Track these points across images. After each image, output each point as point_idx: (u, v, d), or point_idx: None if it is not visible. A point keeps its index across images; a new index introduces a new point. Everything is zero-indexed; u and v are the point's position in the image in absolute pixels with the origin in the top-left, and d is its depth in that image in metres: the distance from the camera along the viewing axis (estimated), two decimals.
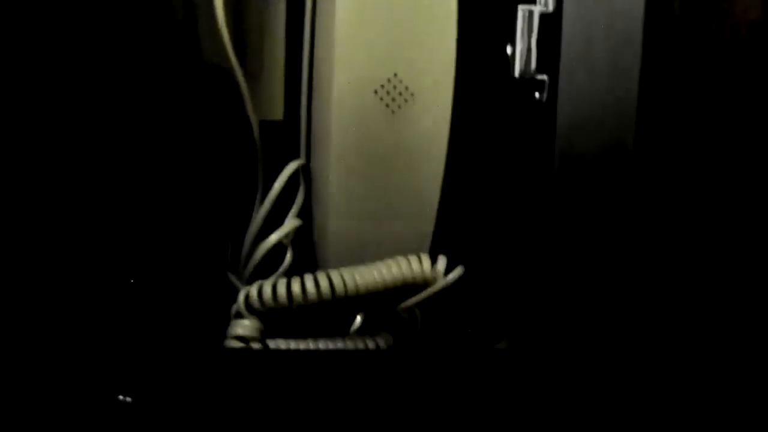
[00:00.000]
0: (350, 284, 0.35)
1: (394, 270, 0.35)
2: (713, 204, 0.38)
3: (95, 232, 0.36)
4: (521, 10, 0.36)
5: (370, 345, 0.37)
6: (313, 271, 0.37)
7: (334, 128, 0.36)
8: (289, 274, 0.37)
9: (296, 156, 0.39)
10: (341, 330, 0.38)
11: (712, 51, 0.36)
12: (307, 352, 0.36)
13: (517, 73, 0.36)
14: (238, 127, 0.38)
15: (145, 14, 0.36)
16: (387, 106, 0.36)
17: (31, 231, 0.35)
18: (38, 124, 0.35)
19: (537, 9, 0.36)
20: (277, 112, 0.40)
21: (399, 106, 0.36)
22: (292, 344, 0.36)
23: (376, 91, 0.35)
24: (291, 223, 0.37)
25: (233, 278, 0.37)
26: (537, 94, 0.36)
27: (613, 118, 0.35)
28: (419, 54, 0.36)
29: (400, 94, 0.36)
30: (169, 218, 0.37)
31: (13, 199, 0.35)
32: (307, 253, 0.39)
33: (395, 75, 0.36)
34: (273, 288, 0.35)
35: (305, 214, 0.39)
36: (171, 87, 0.37)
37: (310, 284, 0.34)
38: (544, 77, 0.36)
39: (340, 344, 0.36)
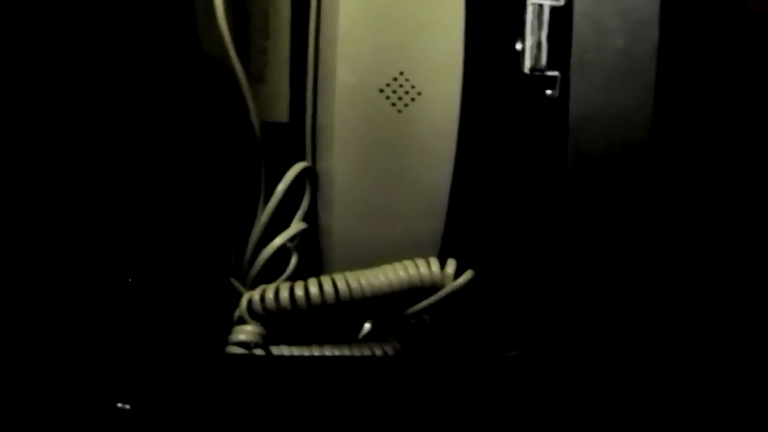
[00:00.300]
0: (355, 288, 0.33)
1: (401, 273, 0.34)
2: (735, 205, 0.36)
3: (95, 235, 0.35)
4: (531, 4, 0.35)
5: (377, 351, 0.36)
6: (318, 276, 0.36)
7: (338, 128, 0.35)
8: (293, 279, 0.36)
9: (303, 158, 0.38)
10: (347, 336, 0.37)
11: (732, 42, 0.35)
12: (312, 358, 0.35)
13: (527, 70, 0.35)
14: (242, 130, 0.37)
15: (145, 14, 0.36)
16: (393, 105, 0.35)
17: (31, 233, 0.34)
18: (39, 127, 0.35)
19: (547, 3, 0.35)
20: (283, 113, 0.39)
21: (406, 105, 0.35)
22: (296, 351, 0.35)
23: (381, 90, 0.35)
24: (296, 226, 0.36)
25: (236, 283, 0.36)
26: (548, 91, 0.35)
27: (627, 115, 0.34)
28: (426, 52, 0.35)
29: (407, 92, 0.35)
30: (171, 221, 0.37)
31: (13, 199, 0.34)
32: (313, 257, 0.38)
33: (401, 74, 0.35)
34: (276, 292, 0.34)
35: (311, 217, 0.38)
36: (173, 89, 0.37)
37: (313, 288, 0.33)
38: (556, 73, 0.34)
39: (345, 351, 0.35)
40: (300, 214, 0.37)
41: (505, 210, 0.38)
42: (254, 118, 0.36)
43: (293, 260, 0.36)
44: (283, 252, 0.37)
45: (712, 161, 0.35)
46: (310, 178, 0.37)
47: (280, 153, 0.38)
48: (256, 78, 0.39)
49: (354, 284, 0.33)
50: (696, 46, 0.35)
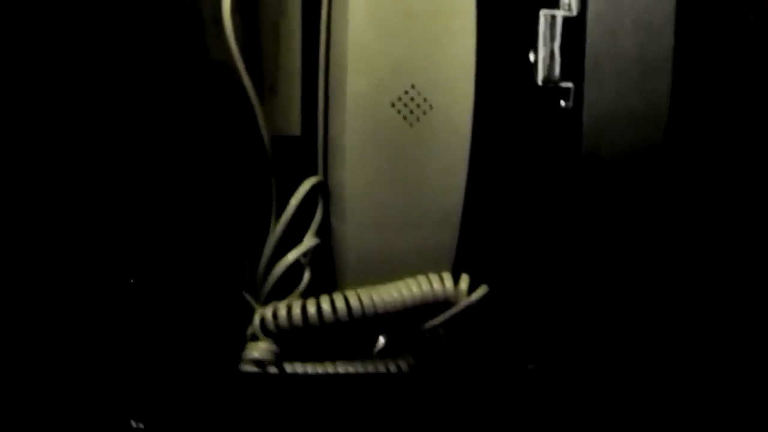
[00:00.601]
0: (368, 305, 0.33)
1: (414, 290, 0.34)
2: (753, 210, 0.35)
3: (108, 251, 0.35)
4: (543, 14, 0.34)
5: (392, 368, 0.35)
6: (332, 290, 0.36)
7: (349, 143, 0.34)
8: (307, 294, 0.36)
9: (315, 172, 0.38)
10: (361, 350, 0.36)
11: (750, 49, 0.34)
12: (326, 376, 0.34)
13: (540, 81, 0.34)
14: (254, 144, 0.37)
15: (152, 28, 0.36)
16: (405, 119, 0.34)
17: (46, 246, 0.35)
18: (49, 140, 0.35)
19: (560, 13, 0.34)
20: (295, 127, 0.39)
21: (417, 119, 0.34)
22: (310, 368, 0.34)
23: (393, 104, 0.34)
24: (308, 241, 0.36)
25: (249, 298, 0.36)
26: (562, 102, 0.35)
27: (643, 127, 0.34)
28: (437, 64, 0.34)
29: (419, 106, 0.34)
30: (183, 235, 0.37)
31: (25, 220, 0.34)
32: (326, 271, 0.38)
33: (413, 87, 0.34)
34: (288, 310, 0.34)
35: (324, 231, 0.37)
36: (185, 105, 0.37)
37: (326, 306, 0.33)
38: (569, 84, 0.34)
39: (359, 367, 0.35)
40: (313, 228, 0.37)
41: (520, 221, 0.37)
42: (264, 131, 0.36)
43: (306, 276, 0.36)
44: (296, 265, 0.36)
45: (728, 170, 0.35)
46: (322, 193, 0.37)
47: (293, 166, 0.38)
48: (268, 91, 0.38)
49: (366, 301, 0.33)
50: (712, 56, 0.34)
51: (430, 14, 0.34)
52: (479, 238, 0.37)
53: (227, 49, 0.35)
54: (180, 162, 0.37)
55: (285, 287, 0.37)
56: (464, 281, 0.35)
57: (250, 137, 0.37)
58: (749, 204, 0.36)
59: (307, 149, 0.38)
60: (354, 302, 0.33)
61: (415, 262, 0.36)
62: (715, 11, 0.34)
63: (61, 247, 0.35)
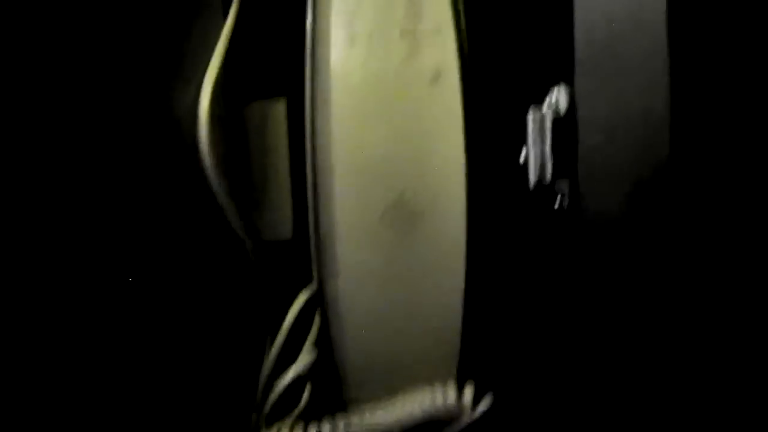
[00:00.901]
0: (369, 429, 0.33)
1: (416, 409, 0.33)
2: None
3: (101, 381, 0.35)
4: (531, 115, 0.33)
5: None
6: (336, 400, 0.35)
7: (340, 262, 0.34)
8: (310, 406, 0.35)
9: (309, 275, 0.37)
10: None
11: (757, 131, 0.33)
12: None
13: (532, 184, 0.33)
14: (240, 255, 0.36)
15: (131, 149, 0.35)
16: (396, 232, 0.33)
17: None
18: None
19: (548, 112, 0.33)
20: (286, 231, 0.38)
21: (409, 230, 0.33)
22: None
23: (382, 218, 0.33)
24: (306, 356, 0.35)
25: (253, 416, 0.36)
26: (558, 202, 0.34)
27: (643, 224, 0.32)
28: (426, 172, 0.33)
29: (409, 217, 0.33)
30: (180, 354, 0.36)
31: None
32: (329, 379, 0.37)
33: (401, 196, 0.33)
34: None
35: (323, 339, 0.37)
36: (161, 220, 0.36)
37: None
38: (564, 187, 0.33)
39: None
40: (310, 341, 0.36)
41: (524, 326, 0.36)
42: (247, 241, 0.36)
43: (306, 392, 0.35)
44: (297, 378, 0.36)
45: (735, 260, 0.33)
46: (318, 302, 0.36)
47: (287, 271, 0.37)
48: (256, 196, 0.38)
49: (368, 425, 0.33)
50: (713, 140, 0.33)
51: (415, 119, 0.33)
52: (482, 341, 0.36)
53: (205, 168, 0.34)
54: (166, 280, 0.36)
55: (287, 399, 0.36)
56: (468, 393, 0.34)
57: (236, 249, 0.36)
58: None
59: (300, 253, 0.37)
60: (356, 428, 0.32)
61: (418, 369, 0.35)
62: (714, 100, 0.33)
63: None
